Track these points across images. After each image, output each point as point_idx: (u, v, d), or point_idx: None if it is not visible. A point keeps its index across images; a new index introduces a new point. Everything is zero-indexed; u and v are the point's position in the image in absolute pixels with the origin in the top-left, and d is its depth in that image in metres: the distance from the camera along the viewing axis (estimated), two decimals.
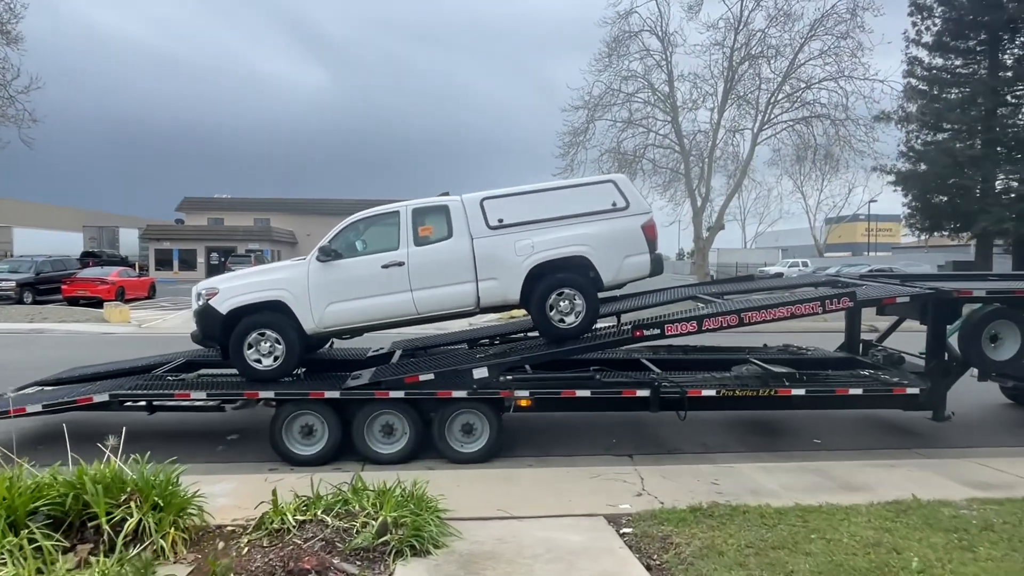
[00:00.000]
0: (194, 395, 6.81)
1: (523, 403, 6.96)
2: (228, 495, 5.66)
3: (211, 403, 6.93)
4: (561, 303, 7.21)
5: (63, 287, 25.92)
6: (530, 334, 8.81)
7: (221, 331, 7.12)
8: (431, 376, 6.86)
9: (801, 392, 7.22)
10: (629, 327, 7.17)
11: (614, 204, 7.32)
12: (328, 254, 7.09)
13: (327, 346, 9.04)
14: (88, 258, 36.41)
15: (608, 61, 25.38)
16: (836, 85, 23.53)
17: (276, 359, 7.16)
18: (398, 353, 8.47)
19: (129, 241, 52.26)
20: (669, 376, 7.44)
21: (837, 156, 25.83)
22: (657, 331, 7.01)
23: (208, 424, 8.28)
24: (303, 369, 8.37)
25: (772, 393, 7.19)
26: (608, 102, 25.44)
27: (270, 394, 6.82)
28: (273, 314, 7.14)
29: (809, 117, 24.57)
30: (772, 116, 25.19)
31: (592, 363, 7.76)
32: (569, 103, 25.98)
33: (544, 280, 7.18)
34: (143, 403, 7.12)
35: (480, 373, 6.84)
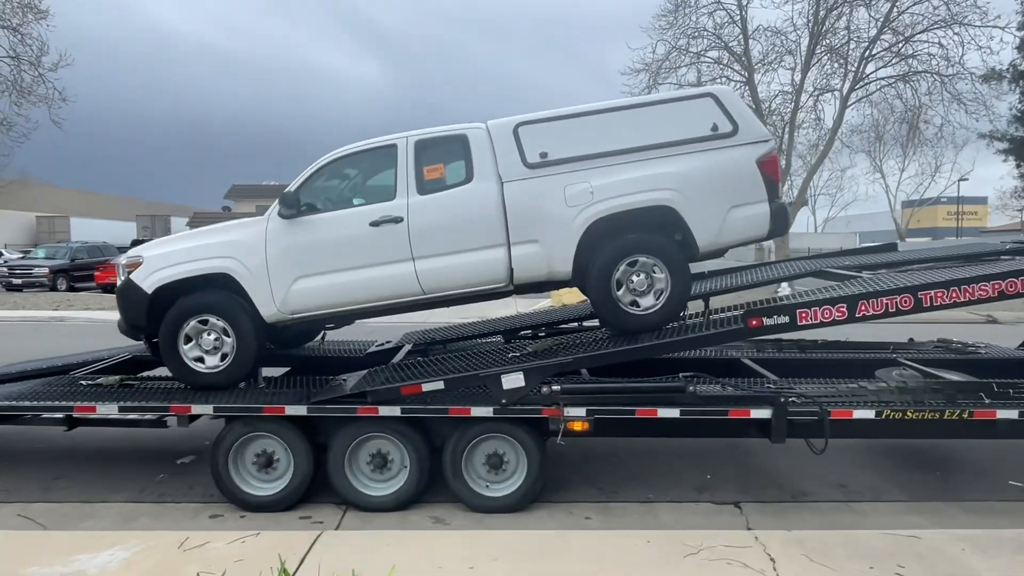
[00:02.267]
0: (101, 408, 4.75)
1: (577, 426, 4.64)
2: None
3: (133, 418, 4.86)
4: (634, 278, 4.84)
5: (96, 274, 24.98)
6: (586, 323, 6.47)
7: (147, 318, 5.04)
8: (439, 384, 4.61)
9: (1012, 415, 4.63)
10: (739, 313, 4.73)
11: (715, 128, 4.87)
12: (293, 207, 4.90)
13: (318, 339, 6.91)
14: (136, 245, 35.91)
15: (673, 18, 22.52)
16: (946, 32, 20.00)
17: (224, 357, 5.04)
18: (405, 349, 6.25)
19: (180, 229, 52.25)
20: (795, 387, 4.96)
21: (939, 122, 22.25)
22: (784, 319, 4.54)
23: (166, 441, 6.25)
24: (287, 370, 6.28)
25: (965, 415, 4.63)
26: (673, 63, 22.59)
27: (208, 408, 4.70)
28: (218, 293, 5.01)
29: (910, 74, 21.13)
30: (865, 74, 21.86)
31: (673, 365, 5.32)
32: (629, 66, 23.25)
33: (609, 244, 4.82)
34: (60, 416, 5.12)
35: (513, 380, 4.55)
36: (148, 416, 4.79)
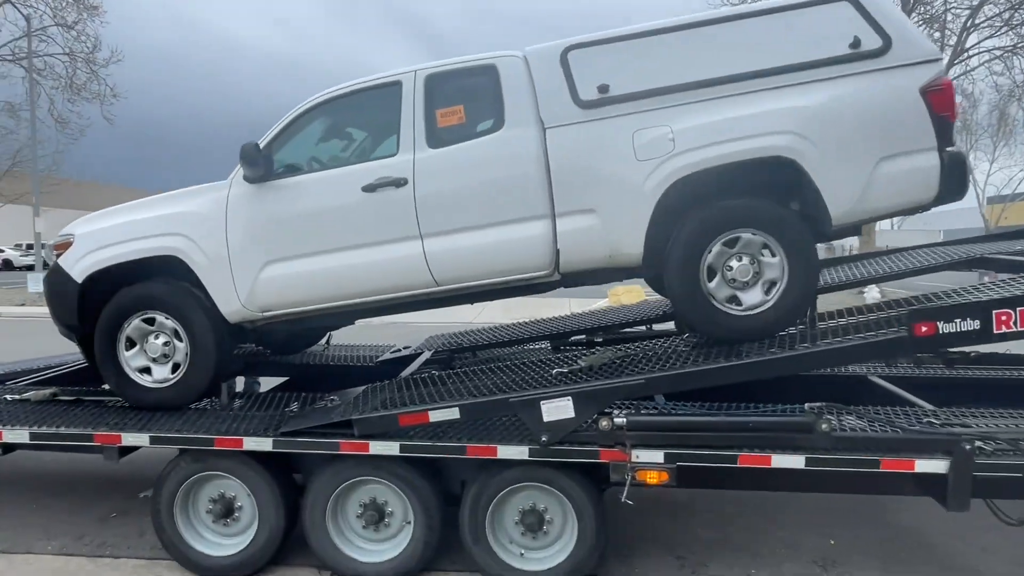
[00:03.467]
0: (8, 435, 3.57)
1: (652, 477, 3.17)
2: None
3: (61, 443, 3.68)
4: (733, 263, 3.36)
5: None
6: (655, 327, 5.01)
7: (79, 315, 3.85)
8: (452, 412, 3.24)
9: None
10: (903, 315, 3.17)
11: (856, 44, 3.33)
12: (262, 166, 3.62)
13: (323, 342, 5.65)
14: None
15: None
16: None
17: (176, 368, 3.81)
18: (423, 357, 4.91)
19: None
20: (969, 422, 3.36)
21: None
22: (973, 324, 2.97)
23: (137, 464, 5.08)
24: (283, 381, 5.06)
25: None
26: None
27: (142, 438, 3.46)
28: (167, 283, 3.78)
29: (1021, 45, 18.56)
30: (966, 47, 19.38)
31: (773, 385, 3.72)
32: None
33: (697, 214, 3.37)
34: None
35: (557, 409, 3.14)
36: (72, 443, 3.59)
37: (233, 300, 3.68)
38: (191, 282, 3.74)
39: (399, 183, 3.52)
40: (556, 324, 5.61)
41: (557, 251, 3.49)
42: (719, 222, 3.33)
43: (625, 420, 3.16)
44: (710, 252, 3.35)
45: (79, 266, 3.77)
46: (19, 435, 3.53)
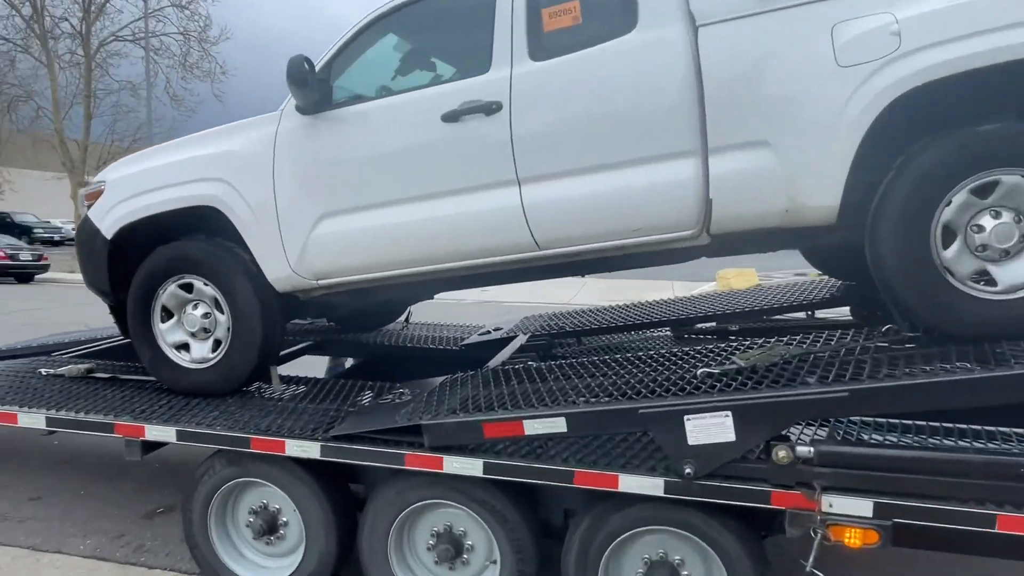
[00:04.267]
0: (24, 419, 2.99)
1: (854, 537, 2.13)
2: None
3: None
4: (984, 221, 2.22)
5: None
6: (837, 315, 3.87)
7: (111, 277, 3.22)
8: (557, 423, 2.32)
9: None
10: None
11: None
12: (315, 91, 2.79)
13: (401, 319, 4.89)
14: None
15: None
16: None
17: (217, 345, 3.11)
18: (517, 342, 3.99)
19: None
20: None
21: None
22: None
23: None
24: (350, 363, 4.35)
25: None
26: None
27: (169, 433, 2.77)
28: (204, 242, 3.07)
29: None
30: None
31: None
32: None
33: (933, 146, 2.23)
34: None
35: (709, 428, 2.16)
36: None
37: (281, 264, 2.92)
38: (235, 240, 3.01)
39: (490, 109, 2.60)
40: (677, 308, 4.55)
41: (709, 202, 2.46)
42: (968, 158, 2.19)
43: (814, 451, 2.12)
44: (949, 204, 2.22)
45: (108, 219, 3.12)
46: (35, 419, 2.94)
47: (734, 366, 2.42)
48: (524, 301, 10.66)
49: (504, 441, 2.44)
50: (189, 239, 3.08)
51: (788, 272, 17.68)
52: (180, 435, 2.74)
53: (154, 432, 2.77)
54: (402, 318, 4.84)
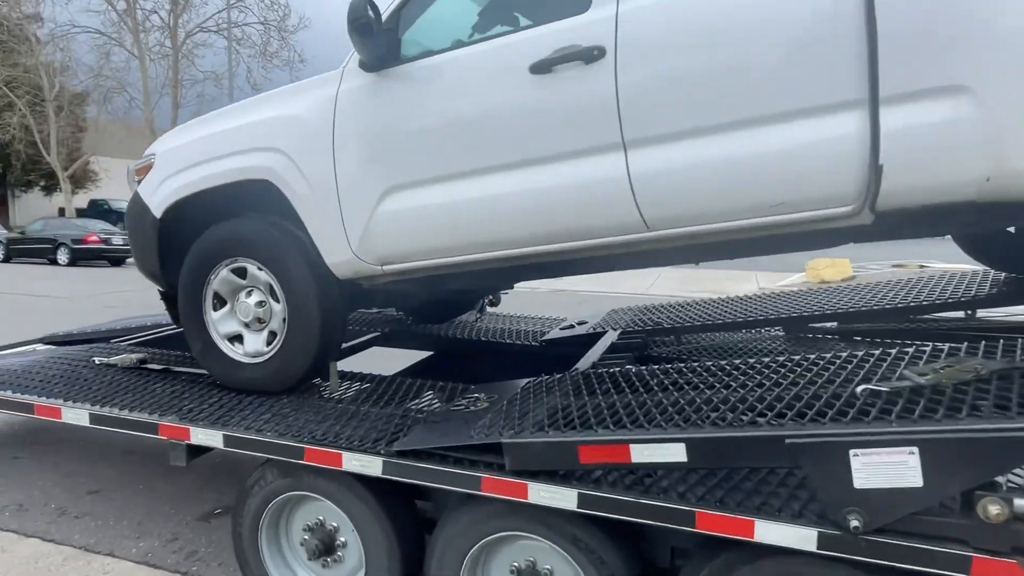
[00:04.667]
0: (68, 414, 2.73)
1: None
2: None
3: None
4: None
5: None
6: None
7: (160, 258, 2.92)
8: (676, 451, 1.82)
9: None
10: None
11: None
12: (382, 43, 2.37)
13: (475, 311, 4.47)
14: None
15: None
16: None
17: (272, 338, 2.76)
18: (608, 339, 3.48)
19: None
20: None
21: None
22: None
23: None
24: (427, 357, 4.00)
25: None
26: None
27: (215, 437, 2.43)
28: (258, 222, 2.72)
29: None
30: None
31: None
32: None
33: None
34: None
35: (886, 470, 1.61)
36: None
37: (341, 246, 2.53)
38: (292, 219, 2.65)
39: (590, 56, 2.10)
40: (790, 303, 3.93)
41: (878, 169, 1.89)
42: None
43: None
44: None
45: (158, 195, 2.83)
46: (79, 415, 2.68)
47: (907, 383, 1.85)
48: (598, 290, 10.05)
49: (604, 467, 1.97)
50: (243, 218, 2.74)
51: (884, 264, 16.32)
52: (227, 440, 2.40)
53: (200, 435, 2.45)
54: (475, 311, 4.42)
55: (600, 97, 2.11)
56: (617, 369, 2.56)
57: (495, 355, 4.01)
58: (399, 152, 2.39)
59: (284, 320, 2.67)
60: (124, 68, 25.22)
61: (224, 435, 2.41)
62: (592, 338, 3.62)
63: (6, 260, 20.56)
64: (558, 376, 2.59)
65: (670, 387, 2.23)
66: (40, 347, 4.83)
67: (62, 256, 19.32)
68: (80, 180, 30.17)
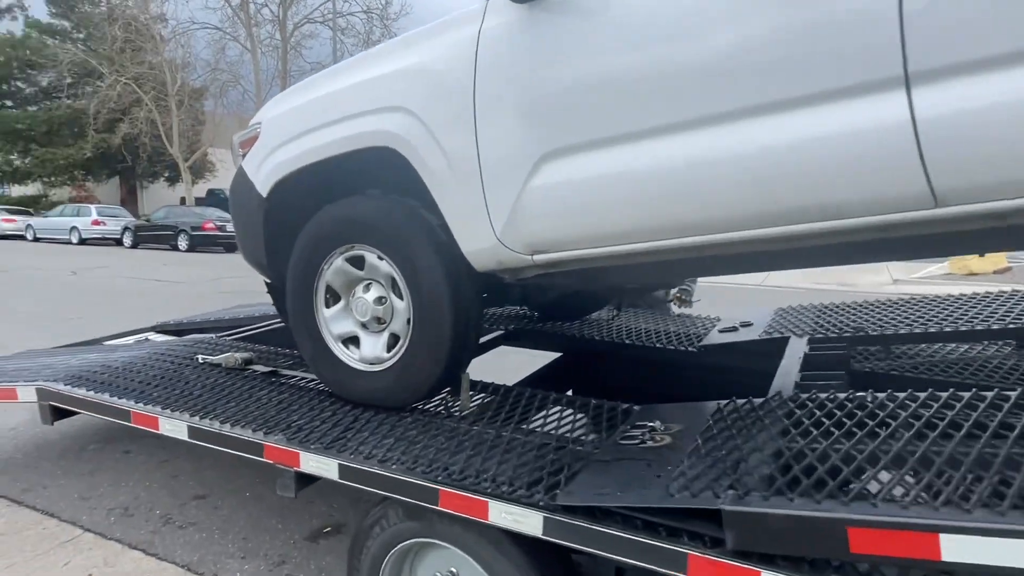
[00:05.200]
0: (166, 425, 2.36)
1: None
2: None
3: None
4: None
5: None
6: None
7: (267, 244, 2.50)
8: (1019, 552, 1.15)
9: None
10: None
11: None
12: None
13: (611, 308, 3.86)
14: None
15: None
16: None
17: (393, 343, 2.27)
18: (797, 349, 2.77)
19: None
20: None
21: None
22: None
23: None
24: (555, 359, 3.49)
25: None
26: None
27: (330, 467, 1.97)
28: (378, 201, 2.23)
29: None
30: None
31: None
32: None
33: None
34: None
35: None
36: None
37: (481, 230, 1.98)
38: (420, 197, 2.14)
39: None
40: (1007, 308, 3.06)
41: None
42: None
43: None
44: None
45: (264, 170, 2.39)
46: (176, 426, 2.31)
47: None
48: (736, 282, 8.99)
49: (882, 560, 1.32)
50: (361, 196, 2.26)
51: None
52: (344, 472, 1.93)
53: (311, 463, 1.99)
54: (611, 305, 3.81)
55: (868, 8, 1.43)
56: (846, 395, 1.88)
57: (636, 361, 3.40)
58: (564, 105, 1.80)
59: (408, 321, 2.18)
60: (238, 62, 26.30)
61: (340, 465, 1.94)
62: (767, 345, 2.92)
63: (134, 246, 21.95)
64: (761, 402, 1.95)
65: (947, 428, 1.54)
66: (152, 336, 4.67)
67: (182, 242, 20.34)
68: (199, 170, 31.95)
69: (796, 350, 2.67)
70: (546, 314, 3.72)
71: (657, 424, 2.00)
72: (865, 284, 12.75)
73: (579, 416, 2.26)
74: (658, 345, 3.32)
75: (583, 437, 2.05)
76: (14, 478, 3.70)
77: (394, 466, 1.88)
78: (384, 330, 2.29)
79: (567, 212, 1.87)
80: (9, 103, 34.62)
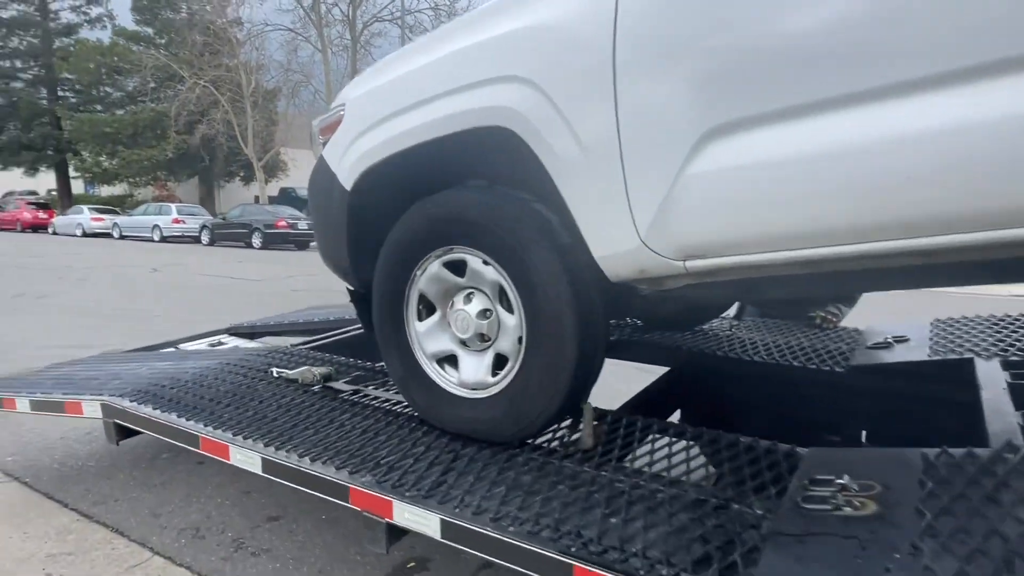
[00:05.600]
0: (237, 455, 2.05)
1: None
2: None
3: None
4: None
5: None
6: None
7: (349, 245, 2.16)
8: None
9: None
10: None
11: None
12: None
13: (728, 314, 3.37)
14: None
15: None
16: None
17: (500, 364, 1.88)
18: (994, 377, 2.24)
19: None
20: None
21: None
22: None
23: None
24: (664, 373, 3.06)
25: None
26: None
27: (430, 521, 1.60)
28: (484, 194, 1.84)
29: None
30: None
31: None
32: None
33: None
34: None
35: None
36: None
37: (621, 230, 1.56)
38: (536, 190, 1.74)
39: None
40: None
41: None
42: None
43: None
44: None
45: (348, 159, 2.05)
46: (249, 458, 1.99)
47: None
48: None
49: None
50: (462, 188, 1.88)
51: None
52: (447, 530, 1.56)
53: (406, 515, 1.63)
54: (730, 312, 3.33)
55: None
56: None
57: (763, 381, 2.91)
58: (742, 60, 1.37)
59: (520, 340, 1.79)
60: (308, 62, 26.74)
61: (442, 520, 1.56)
62: (942, 369, 2.39)
63: (211, 243, 22.60)
64: (990, 454, 1.46)
65: None
66: (225, 339, 4.48)
67: (256, 240, 20.78)
68: (272, 170, 32.81)
69: (992, 378, 2.13)
70: (652, 323, 3.27)
71: (847, 480, 1.54)
72: (1003, 289, 11.40)
73: (723, 456, 1.82)
74: (795, 363, 2.82)
75: (744, 489, 1.61)
76: (87, 488, 3.54)
77: (511, 527, 1.49)
78: (488, 349, 1.91)
79: (736, 206, 1.43)
80: (99, 107, 36.53)
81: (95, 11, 39.47)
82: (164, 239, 24.27)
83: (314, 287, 11.37)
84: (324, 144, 2.18)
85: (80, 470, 3.79)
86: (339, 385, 2.43)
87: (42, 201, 33.25)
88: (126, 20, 36.71)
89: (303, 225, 20.67)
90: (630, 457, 1.82)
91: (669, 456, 1.82)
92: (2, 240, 24.87)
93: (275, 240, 20.51)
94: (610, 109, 1.51)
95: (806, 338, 3.08)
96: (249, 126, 27.60)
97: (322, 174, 2.15)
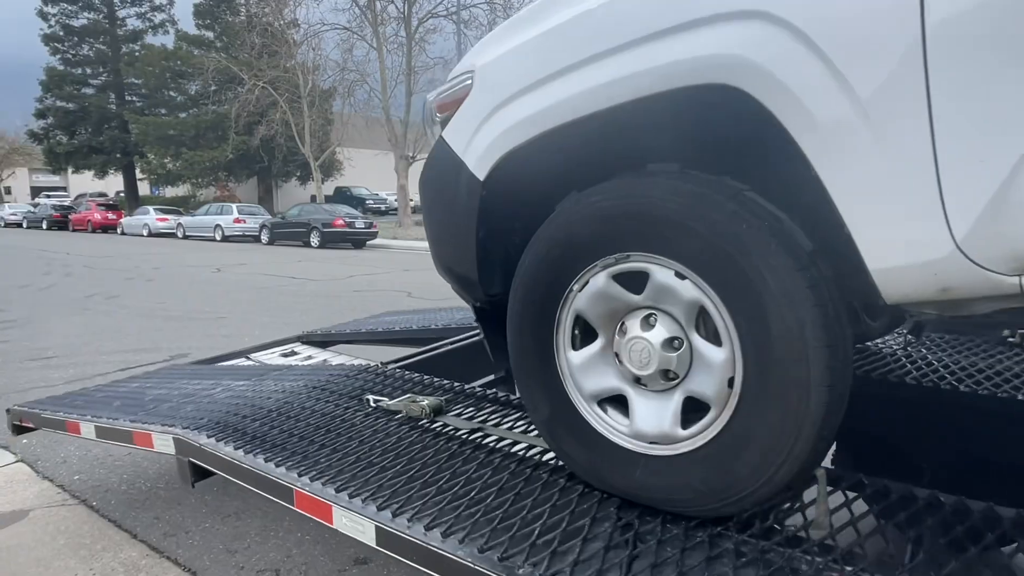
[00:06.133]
0: (341, 519, 1.63)
1: None
2: None
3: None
4: None
5: None
6: None
7: (479, 249, 1.69)
8: None
9: None
10: None
11: None
12: None
13: (905, 331, 2.79)
14: None
15: None
16: None
17: (692, 408, 1.39)
18: None
19: None
20: None
21: None
22: None
23: None
24: None
25: None
26: None
27: None
28: (678, 181, 1.35)
29: None
30: None
31: None
32: None
33: None
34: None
35: None
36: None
37: (928, 233, 1.05)
38: (757, 178, 1.25)
39: None
40: None
41: None
42: None
43: None
44: None
45: (481, 141, 1.58)
46: (359, 525, 1.55)
47: None
48: None
49: None
50: (639, 175, 1.40)
51: None
52: None
53: None
54: (906, 325, 2.74)
55: None
56: None
57: (950, 409, 2.33)
58: None
59: (730, 382, 1.29)
60: (364, 61, 26.72)
61: None
62: None
63: (271, 242, 22.78)
64: None
65: None
66: (299, 347, 4.14)
67: (314, 239, 20.80)
68: (328, 169, 33.06)
69: None
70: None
71: None
72: None
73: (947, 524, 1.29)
74: (1000, 393, 2.24)
75: None
76: (156, 516, 3.22)
77: None
78: (674, 389, 1.42)
79: None
80: (163, 111, 37.57)
81: (159, 17, 40.65)
82: (225, 238, 24.63)
83: (375, 287, 11.11)
84: (442, 123, 1.72)
85: (149, 493, 3.49)
86: (455, 421, 1.98)
87: (111, 202, 34.42)
88: (188, 25, 37.65)
89: (360, 224, 20.59)
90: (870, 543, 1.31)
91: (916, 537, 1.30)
92: (76, 240, 25.73)
93: (333, 239, 20.49)
94: (917, 64, 1.00)
95: (1001, 360, 2.48)
96: (306, 126, 27.79)
97: (442, 161, 1.69)
